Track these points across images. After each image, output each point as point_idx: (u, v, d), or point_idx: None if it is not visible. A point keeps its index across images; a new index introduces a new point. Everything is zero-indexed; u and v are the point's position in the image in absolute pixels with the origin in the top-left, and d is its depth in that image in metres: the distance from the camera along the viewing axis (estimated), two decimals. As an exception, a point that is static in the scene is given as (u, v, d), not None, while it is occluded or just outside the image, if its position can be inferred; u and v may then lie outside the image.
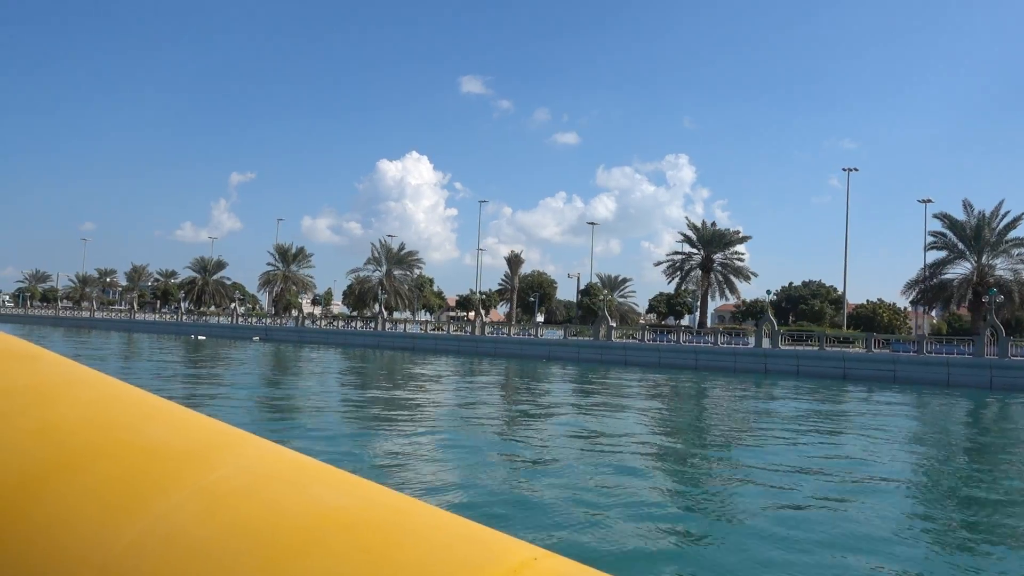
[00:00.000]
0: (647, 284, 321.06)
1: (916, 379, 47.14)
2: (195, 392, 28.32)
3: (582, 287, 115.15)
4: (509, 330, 70.53)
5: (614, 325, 63.73)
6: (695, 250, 72.96)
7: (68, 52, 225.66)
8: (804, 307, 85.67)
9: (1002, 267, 54.69)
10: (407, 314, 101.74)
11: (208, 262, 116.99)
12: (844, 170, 77.04)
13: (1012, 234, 53.87)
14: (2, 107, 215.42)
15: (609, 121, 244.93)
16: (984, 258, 54.33)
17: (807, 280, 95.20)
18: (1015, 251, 53.41)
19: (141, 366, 41.31)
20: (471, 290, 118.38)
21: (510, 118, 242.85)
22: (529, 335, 68.73)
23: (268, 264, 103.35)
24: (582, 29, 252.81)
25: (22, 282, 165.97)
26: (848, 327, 67.38)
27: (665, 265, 74.47)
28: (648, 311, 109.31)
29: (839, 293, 79.34)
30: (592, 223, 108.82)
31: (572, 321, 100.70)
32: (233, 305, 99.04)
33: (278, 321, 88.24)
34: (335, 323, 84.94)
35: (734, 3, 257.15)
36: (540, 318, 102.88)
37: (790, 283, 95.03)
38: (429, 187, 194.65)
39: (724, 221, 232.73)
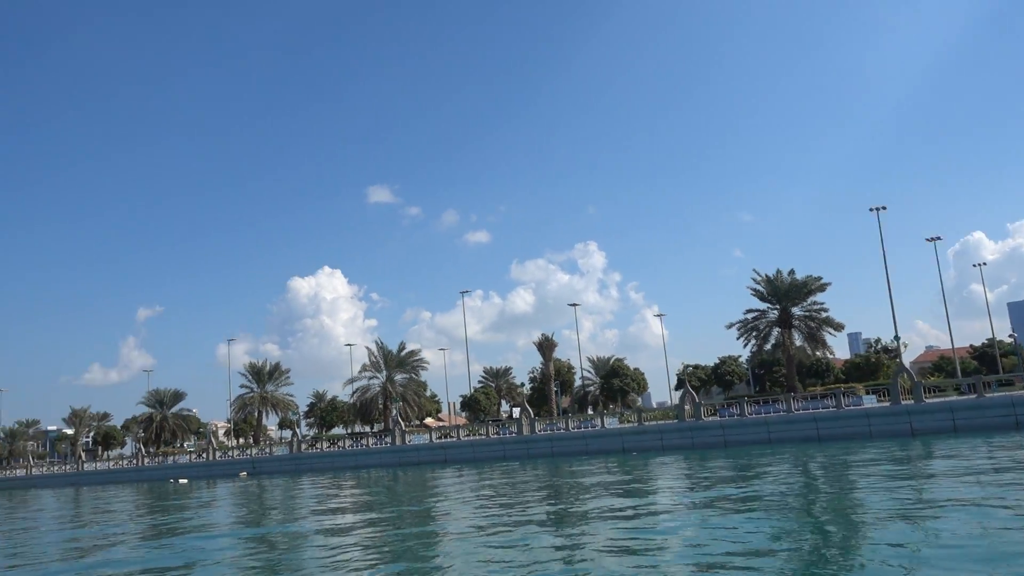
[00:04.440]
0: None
1: None
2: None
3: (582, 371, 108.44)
4: (566, 424, 62.34)
5: (701, 402, 56.30)
6: (770, 305, 66.82)
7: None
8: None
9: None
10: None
11: (164, 394, 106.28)
12: (872, 209, 70.02)
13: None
14: None
15: (517, 216, 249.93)
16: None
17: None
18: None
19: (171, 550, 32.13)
20: (474, 389, 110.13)
21: (420, 223, 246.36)
22: (593, 426, 60.75)
23: (242, 386, 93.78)
24: (483, 131, 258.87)
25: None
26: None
27: (737, 326, 67.93)
28: (676, 387, 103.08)
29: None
30: (574, 304, 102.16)
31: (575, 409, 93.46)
32: (202, 440, 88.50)
33: (266, 450, 78.13)
34: (339, 443, 75.32)
35: (624, 91, 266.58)
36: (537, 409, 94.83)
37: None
38: (345, 300, 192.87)
39: (639, 302, 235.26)
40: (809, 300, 65.53)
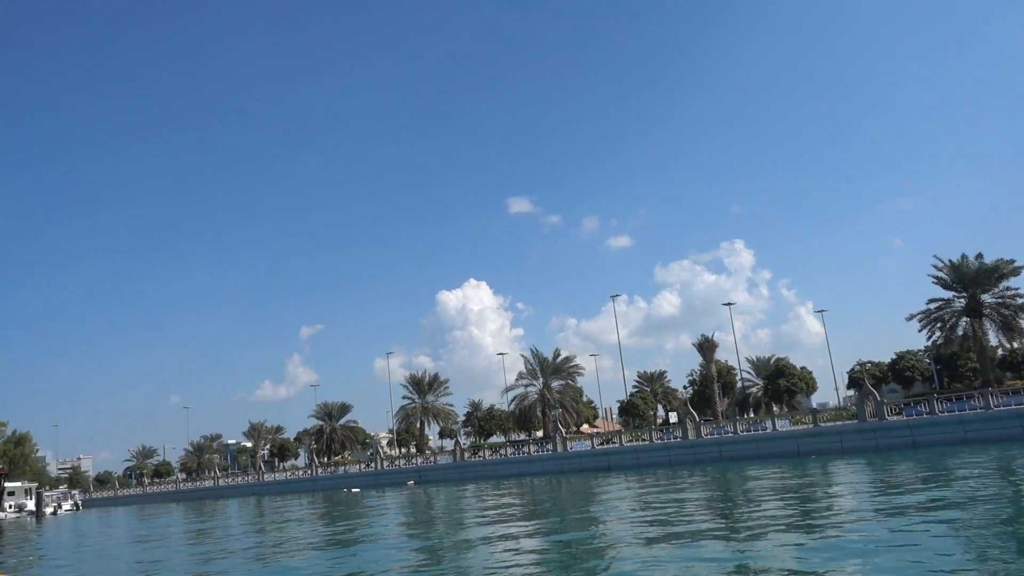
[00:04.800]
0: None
1: None
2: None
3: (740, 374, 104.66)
4: (734, 427, 60.21)
5: (883, 400, 52.74)
6: (955, 293, 61.84)
7: (144, 243, 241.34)
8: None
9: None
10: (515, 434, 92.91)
11: (332, 407, 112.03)
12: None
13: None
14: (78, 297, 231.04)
15: (659, 218, 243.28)
16: None
17: None
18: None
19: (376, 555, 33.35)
20: (630, 394, 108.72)
21: (560, 232, 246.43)
22: (763, 429, 58.32)
23: (404, 397, 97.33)
24: (620, 135, 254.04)
25: (130, 460, 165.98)
26: None
27: (919, 318, 63.32)
28: (849, 386, 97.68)
29: None
30: (728, 303, 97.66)
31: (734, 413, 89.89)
32: (371, 450, 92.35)
33: (430, 460, 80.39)
34: (500, 451, 76.34)
35: (766, 83, 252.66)
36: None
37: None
38: (492, 311, 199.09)
39: (791, 299, 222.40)
40: (1001, 286, 59.99)
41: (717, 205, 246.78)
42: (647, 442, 64.01)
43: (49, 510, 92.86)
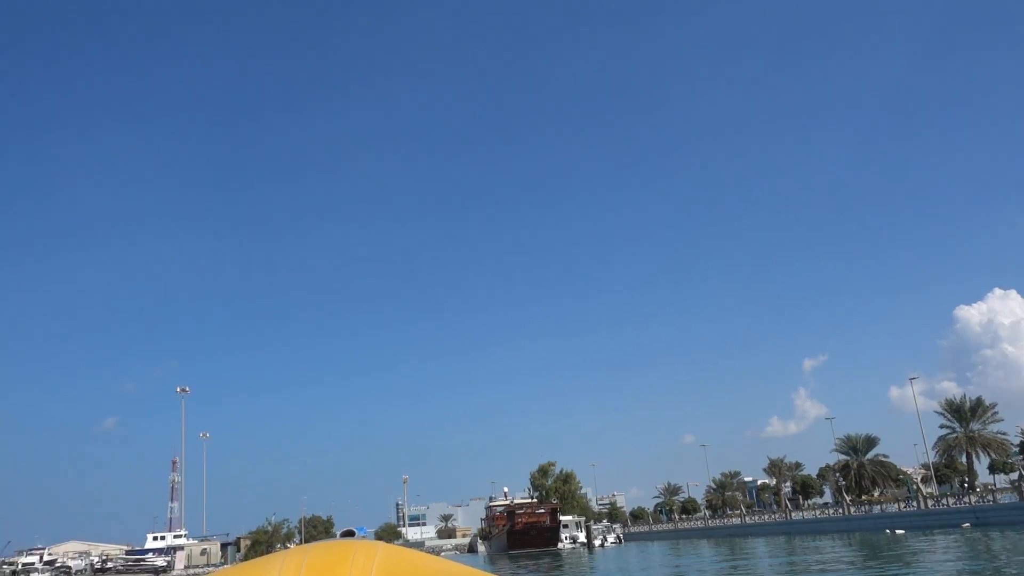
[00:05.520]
0: None
1: None
2: None
3: None
4: None
5: None
6: None
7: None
8: None
9: None
10: None
11: (856, 440, 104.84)
12: None
13: None
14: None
15: None
16: None
17: None
18: None
19: None
20: None
21: None
22: None
23: (941, 427, 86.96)
24: None
25: (657, 497, 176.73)
26: None
27: None
28: None
29: None
30: None
31: None
32: (910, 487, 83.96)
33: (987, 498, 69.63)
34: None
35: None
36: None
37: None
38: None
39: None
40: None
41: None
42: None
43: (597, 542, 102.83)
